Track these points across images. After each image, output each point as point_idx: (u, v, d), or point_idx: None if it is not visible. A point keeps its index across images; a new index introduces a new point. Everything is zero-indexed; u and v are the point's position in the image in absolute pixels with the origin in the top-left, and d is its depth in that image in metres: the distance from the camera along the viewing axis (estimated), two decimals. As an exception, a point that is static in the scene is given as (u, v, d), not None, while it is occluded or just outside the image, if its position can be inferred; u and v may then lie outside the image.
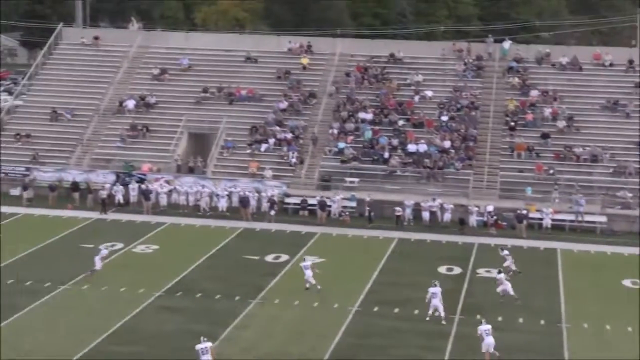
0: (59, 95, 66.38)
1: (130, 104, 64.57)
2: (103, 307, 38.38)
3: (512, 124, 61.15)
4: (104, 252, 43.04)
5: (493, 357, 32.76)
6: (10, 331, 35.19)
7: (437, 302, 37.11)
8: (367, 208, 53.63)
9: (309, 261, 41.70)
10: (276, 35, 73.93)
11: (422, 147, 59.40)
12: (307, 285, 40.61)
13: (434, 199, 54.15)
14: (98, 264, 41.95)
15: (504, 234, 51.84)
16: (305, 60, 67.57)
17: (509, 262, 43.30)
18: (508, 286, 39.37)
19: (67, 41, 71.43)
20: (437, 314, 36.99)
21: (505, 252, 44.10)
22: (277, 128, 61.76)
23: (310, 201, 55.18)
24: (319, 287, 40.28)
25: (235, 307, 38.59)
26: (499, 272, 40.50)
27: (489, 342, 32.82)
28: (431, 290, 37.39)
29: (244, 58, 68.24)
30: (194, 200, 55.69)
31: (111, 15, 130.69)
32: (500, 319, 37.50)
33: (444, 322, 36.78)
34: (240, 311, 38.18)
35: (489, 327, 33.23)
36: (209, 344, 31.10)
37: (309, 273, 40.72)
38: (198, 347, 30.93)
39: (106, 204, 54.33)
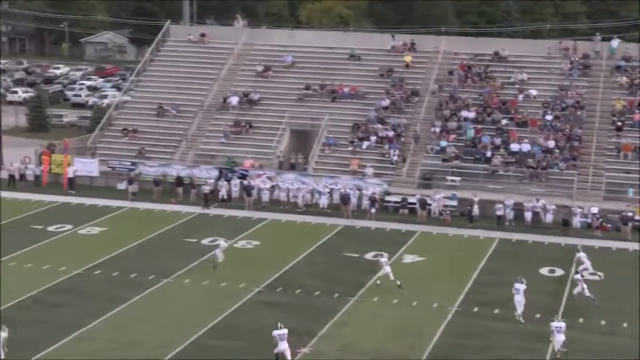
0: (165, 91, 67.61)
1: (234, 100, 65.35)
2: (204, 301, 38.95)
3: (619, 124, 59.79)
4: (224, 244, 43.72)
5: (562, 356, 32.42)
6: (114, 323, 36.01)
7: (519, 299, 36.91)
8: (468, 207, 53.11)
9: (386, 257, 41.63)
10: (380, 33, 73.79)
11: (526, 147, 58.58)
12: (378, 282, 40.73)
13: (537, 199, 53.35)
14: (220, 256, 42.65)
15: (608, 236, 50.75)
16: (408, 58, 67.28)
17: (586, 264, 42.50)
18: (584, 287, 38.85)
19: (174, 38, 72.68)
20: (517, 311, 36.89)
21: (582, 253, 43.27)
22: (379, 126, 61.69)
23: (411, 199, 54.95)
24: (398, 282, 40.17)
25: (334, 304, 38.71)
26: (576, 273, 40.25)
27: (559, 339, 32.65)
28: (516, 285, 37.26)
29: (348, 55, 68.35)
30: (295, 197, 56.02)
31: (217, 13, 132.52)
32: (603, 322, 36.84)
33: (521, 320, 36.51)
34: (340, 308, 38.27)
35: (562, 324, 33.03)
36: (285, 331, 31.60)
37: (387, 269, 40.64)
38: (275, 333, 31.45)
39: (209, 199, 55.10)
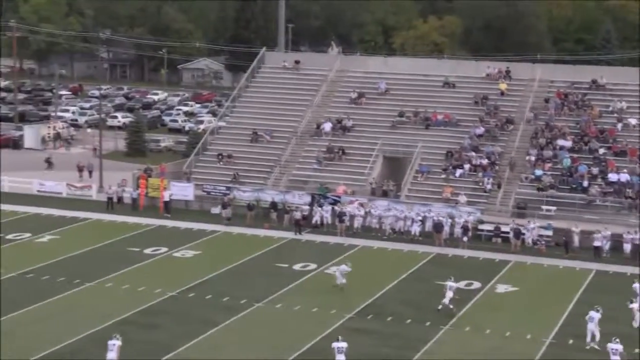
0: (260, 117, 68.34)
1: (327, 126, 65.68)
2: (295, 326, 39.07)
3: None
4: (345, 268, 44.24)
5: None
6: (207, 345, 36.36)
7: (593, 327, 36.72)
8: (564, 237, 52.21)
9: (451, 282, 41.32)
10: (474, 61, 73.39)
11: (624, 177, 57.42)
12: (440, 307, 40.60)
13: (635, 231, 52.15)
14: (339, 277, 43.62)
15: None
16: (503, 86, 66.77)
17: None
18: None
19: (269, 65, 73.53)
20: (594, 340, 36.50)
21: (637, 284, 42.36)
22: (473, 154, 61.24)
23: (504, 228, 54.22)
24: (452, 307, 40.36)
25: (426, 333, 38.43)
26: (631, 302, 39.95)
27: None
28: (591, 313, 37.07)
29: (442, 83, 68.19)
30: (387, 224, 55.88)
31: (312, 40, 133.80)
32: None
33: (596, 347, 36.24)
34: (431, 337, 37.98)
35: (618, 347, 33.21)
36: (345, 344, 33.38)
37: (450, 294, 40.44)
38: (335, 345, 33.48)
39: (301, 224, 55.33)
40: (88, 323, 37.96)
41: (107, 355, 32.66)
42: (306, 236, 55.00)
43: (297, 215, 55.68)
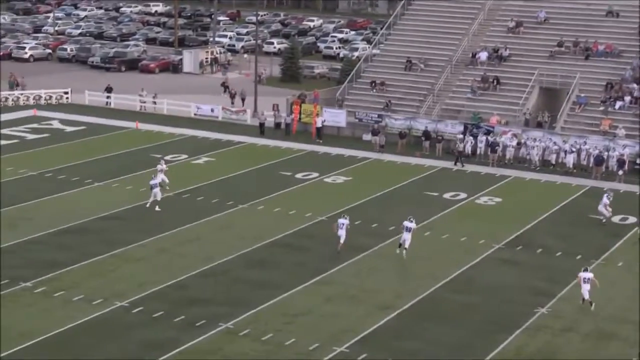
0: (415, 45, 67.71)
1: (483, 56, 64.53)
2: (443, 255, 39.10)
3: None
4: None
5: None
6: (354, 270, 36.90)
7: None
8: None
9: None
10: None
11: None
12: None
13: None
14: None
15: None
16: (670, 15, 63.88)
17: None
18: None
19: (425, -8, 72.51)
20: None
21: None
22: (635, 86, 59.07)
23: (664, 163, 52.41)
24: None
25: (575, 266, 37.67)
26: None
27: (585, 289, 33.33)
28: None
29: (605, 12, 65.73)
30: (541, 155, 54.85)
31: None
32: None
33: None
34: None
35: (588, 275, 33.48)
36: (347, 221, 38.15)
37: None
38: (340, 221, 38.05)
39: (461, 156, 54.40)
40: (239, 244, 39.04)
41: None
42: (457, 166, 54.56)
43: (460, 146, 54.94)
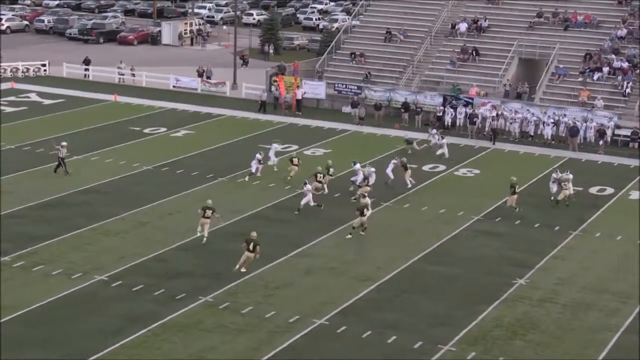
0: (394, 16, 67.55)
1: (463, 27, 64.47)
2: (422, 227, 39.24)
3: None
4: None
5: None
6: (335, 242, 37.01)
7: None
8: None
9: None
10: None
11: None
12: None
13: None
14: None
15: None
16: (649, -15, 63.98)
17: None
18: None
19: (404, -37, 72.17)
20: None
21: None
22: (613, 56, 59.23)
23: (643, 134, 52.67)
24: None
25: (554, 237, 38.08)
26: None
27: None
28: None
29: (583, -18, 65.84)
30: (520, 127, 54.99)
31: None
32: None
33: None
34: (559, 242, 37.65)
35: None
36: (311, 187, 39.98)
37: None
38: (305, 188, 39.71)
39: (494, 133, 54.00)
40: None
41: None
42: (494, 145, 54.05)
43: (494, 124, 54.43)
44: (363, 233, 37.49)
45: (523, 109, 56.00)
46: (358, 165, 43.84)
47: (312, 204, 39.97)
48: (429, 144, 51.03)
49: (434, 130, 51.84)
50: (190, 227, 37.33)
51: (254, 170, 44.84)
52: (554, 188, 42.76)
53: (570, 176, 42.49)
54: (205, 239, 36.03)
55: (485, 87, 59.55)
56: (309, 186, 40.44)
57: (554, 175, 43.30)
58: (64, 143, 44.90)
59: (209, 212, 36.21)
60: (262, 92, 60.83)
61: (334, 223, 38.65)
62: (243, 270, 33.12)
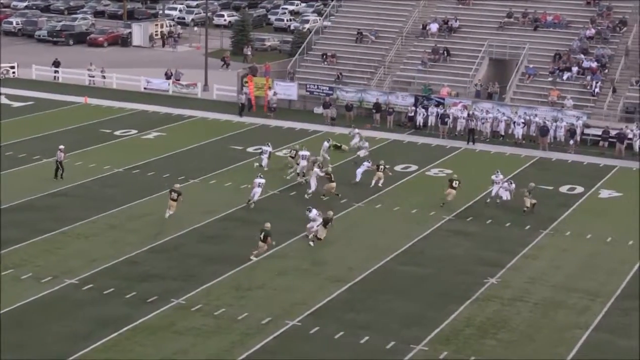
0: (365, 17, 67.66)
1: (434, 27, 64.68)
2: (394, 227, 39.32)
3: None
4: None
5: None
6: (305, 244, 36.96)
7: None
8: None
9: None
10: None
11: None
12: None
13: None
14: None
15: None
16: (616, -14, 64.44)
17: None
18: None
19: (375, -37, 72.28)
20: None
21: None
22: (582, 56, 59.62)
23: (612, 133, 53.00)
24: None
25: (525, 236, 38.30)
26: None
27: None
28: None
29: (553, -17, 66.21)
30: (491, 127, 55.25)
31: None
32: None
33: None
34: (530, 240, 37.87)
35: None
36: (264, 180, 40.88)
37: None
38: (256, 180, 40.47)
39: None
40: (192, 218, 38.90)
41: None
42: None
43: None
44: (312, 244, 37.06)
45: (494, 109, 56.29)
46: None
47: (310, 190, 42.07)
48: (350, 143, 50.80)
49: (357, 130, 51.52)
50: (162, 230, 37.21)
51: (264, 164, 45.78)
52: (495, 190, 42.47)
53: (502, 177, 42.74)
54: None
55: (457, 87, 59.78)
56: (317, 171, 42.26)
57: (493, 177, 43.00)
58: (62, 146, 44.70)
59: (174, 195, 38.23)
60: (241, 95, 60.64)
61: (305, 223, 38.57)
62: (252, 258, 34.81)
